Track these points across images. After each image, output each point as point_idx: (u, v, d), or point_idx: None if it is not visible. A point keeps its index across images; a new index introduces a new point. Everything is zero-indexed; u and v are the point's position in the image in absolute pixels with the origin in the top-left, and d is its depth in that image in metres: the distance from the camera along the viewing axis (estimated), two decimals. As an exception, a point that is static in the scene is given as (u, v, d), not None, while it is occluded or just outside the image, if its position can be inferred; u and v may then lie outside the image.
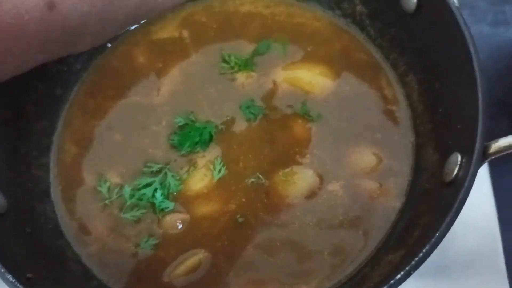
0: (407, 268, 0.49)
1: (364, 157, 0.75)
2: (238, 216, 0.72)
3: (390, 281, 0.49)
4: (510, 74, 0.99)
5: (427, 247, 0.50)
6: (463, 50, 0.60)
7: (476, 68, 0.58)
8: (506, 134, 0.56)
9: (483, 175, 0.81)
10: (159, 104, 0.81)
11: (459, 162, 0.58)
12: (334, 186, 0.73)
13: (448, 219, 0.50)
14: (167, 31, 0.89)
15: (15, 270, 0.59)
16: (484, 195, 0.81)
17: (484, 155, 0.56)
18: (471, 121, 0.57)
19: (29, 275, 0.62)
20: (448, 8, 0.64)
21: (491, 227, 0.79)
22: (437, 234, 0.50)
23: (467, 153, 0.57)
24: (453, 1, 0.64)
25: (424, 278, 0.74)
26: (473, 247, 0.78)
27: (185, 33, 0.88)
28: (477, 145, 0.54)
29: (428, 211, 0.65)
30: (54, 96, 0.83)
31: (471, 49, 0.59)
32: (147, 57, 0.86)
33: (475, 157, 0.54)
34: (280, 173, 0.74)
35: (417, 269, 0.50)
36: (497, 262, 0.77)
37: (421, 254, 0.49)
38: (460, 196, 0.52)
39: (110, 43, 0.88)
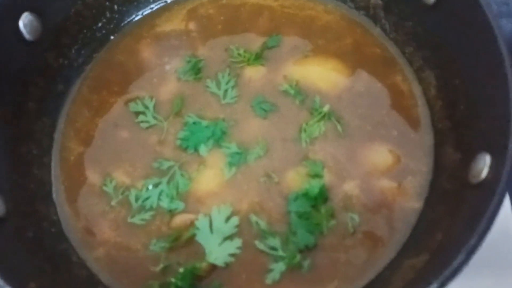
0: (441, 279, 0.46)
1: (380, 155, 0.72)
2: (251, 215, 0.69)
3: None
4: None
5: (461, 256, 0.46)
6: (491, 46, 0.58)
7: (508, 66, 0.55)
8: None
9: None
10: (166, 100, 0.78)
11: (488, 164, 0.55)
12: (349, 186, 0.70)
13: (483, 224, 0.47)
14: (173, 23, 0.85)
15: (16, 280, 0.56)
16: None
17: (517, 156, 0.53)
18: (501, 119, 0.54)
19: (32, 284, 0.59)
20: (474, 0, 0.61)
21: (506, 225, 0.77)
22: (472, 243, 0.47)
23: (497, 154, 0.54)
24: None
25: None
26: (489, 245, 0.76)
27: (192, 26, 0.85)
28: (510, 146, 0.51)
29: (450, 213, 0.62)
30: (56, 92, 0.80)
31: (501, 45, 0.56)
32: (152, 51, 0.83)
33: (508, 158, 0.51)
34: (293, 171, 0.72)
35: (451, 281, 0.47)
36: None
37: (456, 263, 0.46)
38: (495, 200, 0.49)
39: (113, 36, 0.85)
